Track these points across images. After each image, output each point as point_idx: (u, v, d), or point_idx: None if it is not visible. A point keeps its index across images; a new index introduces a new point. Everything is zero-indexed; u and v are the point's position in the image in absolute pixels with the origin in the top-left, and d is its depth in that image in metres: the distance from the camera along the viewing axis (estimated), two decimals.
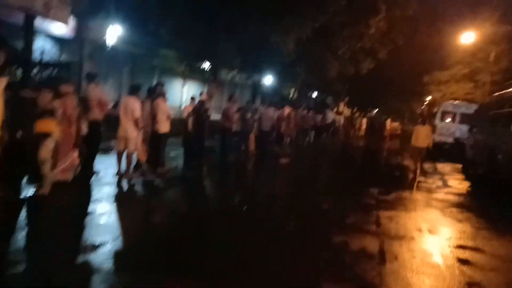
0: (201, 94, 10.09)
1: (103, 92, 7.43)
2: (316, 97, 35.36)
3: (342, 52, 21.38)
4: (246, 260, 4.01)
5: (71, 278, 3.35)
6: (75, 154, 6.00)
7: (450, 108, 18.92)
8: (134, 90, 7.22)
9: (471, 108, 17.98)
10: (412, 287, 3.68)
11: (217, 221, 5.39)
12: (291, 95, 28.78)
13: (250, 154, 11.87)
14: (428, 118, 12.29)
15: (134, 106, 6.92)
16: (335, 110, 28.42)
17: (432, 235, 5.42)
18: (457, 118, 18.29)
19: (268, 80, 23.84)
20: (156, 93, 7.94)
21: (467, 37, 21.14)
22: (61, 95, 5.70)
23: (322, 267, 3.99)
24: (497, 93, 11.64)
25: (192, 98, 10.22)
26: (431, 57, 26.60)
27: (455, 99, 23.07)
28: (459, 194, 8.85)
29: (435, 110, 23.51)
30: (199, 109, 9.37)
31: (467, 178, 11.43)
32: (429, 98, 39.82)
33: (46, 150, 5.22)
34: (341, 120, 24.95)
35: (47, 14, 10.18)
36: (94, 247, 3.96)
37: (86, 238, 4.30)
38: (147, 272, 3.52)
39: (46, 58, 15.68)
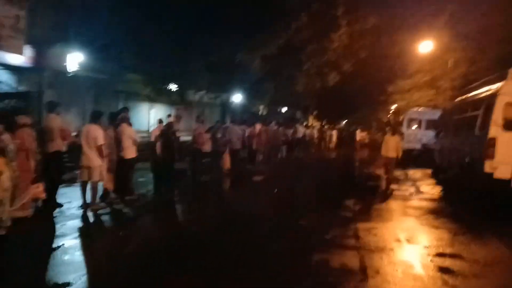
0: (168, 116, 9.84)
1: (65, 122, 7.07)
2: (286, 112, 35.71)
3: (308, 67, 21.71)
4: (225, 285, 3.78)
5: None
6: (39, 188, 5.61)
7: (415, 115, 19.48)
8: (95, 117, 6.90)
9: (436, 114, 18.55)
10: None
11: (191, 248, 5.11)
12: (260, 112, 28.90)
13: (223, 173, 11.64)
14: (395, 127, 11.95)
15: (96, 133, 6.61)
16: (304, 124, 28.66)
17: (411, 245, 5.37)
18: (423, 124, 18.83)
19: (237, 98, 23.87)
20: (119, 118, 7.66)
21: (425, 46, 22.02)
22: (17, 127, 5.34)
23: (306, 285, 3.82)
24: (458, 98, 12.03)
25: (160, 121, 9.95)
26: (393, 67, 27.40)
27: (419, 106, 23.81)
28: (432, 200, 8.93)
29: (401, 118, 24.16)
30: (167, 132, 9.11)
31: (438, 182, 11.62)
32: (394, 106, 41.04)
33: (1, 189, 4.84)
34: (313, 133, 25.10)
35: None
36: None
37: (50, 278, 3.95)
38: None
39: (2, 89, 15.07)
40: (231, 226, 6.38)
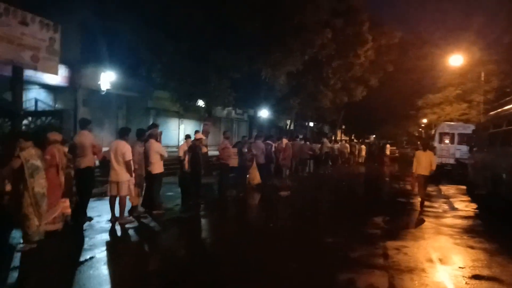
0: (196, 132, 9.97)
1: (96, 138, 7.30)
2: (313, 126, 35.53)
3: (334, 83, 21.61)
4: None
5: None
6: (65, 203, 5.79)
7: (447, 129, 18.88)
8: (123, 133, 7.10)
9: (469, 128, 17.95)
10: None
11: (217, 263, 5.09)
12: (287, 126, 28.88)
13: (251, 188, 11.63)
14: (428, 142, 11.21)
15: (124, 149, 6.77)
16: (333, 138, 28.36)
17: (444, 266, 5.11)
18: (456, 138, 18.22)
19: (263, 113, 23.97)
20: (148, 134, 7.83)
21: (455, 60, 21.50)
22: (48, 144, 5.56)
23: None
24: (493, 112, 11.59)
25: (187, 137, 10.09)
26: (422, 81, 26.96)
27: (451, 120, 23.14)
28: (467, 217, 8.53)
29: (432, 132, 23.53)
30: (194, 147, 9.24)
31: (472, 199, 11.15)
32: (425, 120, 40.05)
33: (26, 204, 5.04)
34: (343, 148, 24.69)
35: (35, 66, 10.27)
36: None
37: None
38: None
39: (41, 107, 15.82)
40: (255, 242, 6.32)
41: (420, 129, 56.35)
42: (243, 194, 10.95)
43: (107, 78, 16.79)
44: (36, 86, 16.62)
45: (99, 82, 16.68)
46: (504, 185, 7.91)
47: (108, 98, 18.31)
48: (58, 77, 15.57)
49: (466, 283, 4.44)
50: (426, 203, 9.90)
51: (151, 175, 7.61)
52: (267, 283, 4.37)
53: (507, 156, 8.10)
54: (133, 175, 7.01)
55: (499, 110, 10.44)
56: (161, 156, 7.80)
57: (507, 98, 10.58)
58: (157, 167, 7.72)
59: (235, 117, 28.55)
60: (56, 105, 17.09)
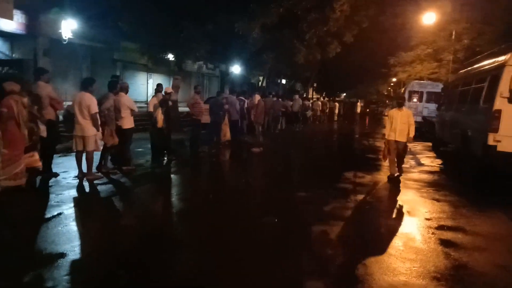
0: (158, 85, 9.51)
1: (55, 90, 6.82)
2: (285, 84, 35.26)
3: (309, 37, 21.18)
4: (223, 262, 3.70)
5: None
6: (33, 157, 5.47)
7: (417, 88, 19.21)
8: (87, 84, 6.63)
9: (437, 87, 18.35)
10: (398, 275, 3.49)
11: (189, 219, 5.04)
12: (260, 83, 28.50)
13: (222, 145, 11.52)
14: (403, 97, 8.24)
15: (90, 101, 6.39)
16: (304, 96, 28.34)
17: (412, 217, 5.29)
18: (424, 97, 18.61)
19: (236, 69, 23.44)
20: (119, 87, 7.43)
21: (429, 17, 21.45)
22: (4, 95, 5.13)
23: (304, 261, 3.73)
24: (462, 70, 11.76)
25: (157, 90, 9.69)
26: (395, 39, 26.86)
27: (421, 78, 23.50)
28: (432, 173, 8.85)
29: (402, 90, 23.90)
30: (166, 102, 8.90)
31: (438, 156, 11.55)
32: (394, 79, 40.59)
33: None
34: (317, 105, 24.85)
35: None
36: (52, 259, 3.54)
37: (43, 248, 3.86)
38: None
39: None
40: (227, 197, 6.31)
41: (389, 88, 57.34)
42: (215, 150, 10.83)
43: (68, 26, 15.71)
44: None
45: (60, 31, 15.60)
46: (471, 141, 8.16)
47: (71, 48, 17.26)
48: (14, 24, 14.42)
49: (432, 233, 4.61)
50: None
51: (122, 130, 7.31)
52: (241, 238, 4.37)
53: (476, 113, 8.30)
54: (100, 129, 6.69)
55: (469, 68, 10.58)
56: (132, 111, 7.47)
57: (478, 57, 10.67)
58: (128, 122, 7.41)
59: (206, 72, 27.84)
60: (14, 55, 15.97)
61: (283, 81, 34.26)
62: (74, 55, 18.24)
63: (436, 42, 23.97)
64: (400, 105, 7.82)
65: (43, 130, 5.95)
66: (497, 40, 16.48)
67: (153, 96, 9.35)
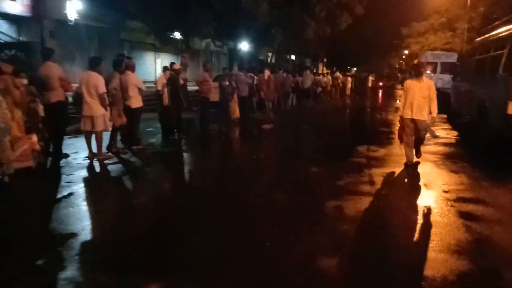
0: (172, 64, 9.41)
1: (63, 70, 6.71)
2: (295, 60, 34.66)
3: (318, 10, 20.60)
4: (237, 240, 3.62)
5: (34, 277, 2.90)
6: (31, 139, 5.42)
7: (430, 58, 18.65)
8: (95, 64, 6.52)
9: (452, 57, 17.77)
10: (416, 249, 3.37)
11: (201, 198, 4.97)
12: (269, 60, 28.06)
13: (232, 122, 11.39)
14: (422, 66, 6.48)
15: (97, 81, 6.28)
16: (314, 71, 27.82)
17: (429, 190, 5.13)
18: (438, 68, 18.08)
19: (244, 46, 23.03)
20: (125, 65, 7.29)
21: None
22: None
23: (318, 238, 3.63)
24: (479, 39, 11.28)
25: (165, 69, 9.55)
26: (408, 8, 26.03)
27: (434, 49, 22.81)
28: (449, 145, 8.60)
29: (415, 62, 23.25)
30: (173, 80, 8.75)
31: (453, 127, 11.25)
32: (406, 52, 39.59)
33: None
34: (327, 81, 24.36)
35: None
36: (63, 239, 3.51)
37: (54, 227, 3.84)
38: (124, 269, 3.07)
39: (3, 39, 14.63)
40: (240, 175, 6.22)
41: (401, 61, 56.05)
42: (225, 128, 10.72)
43: (74, 7, 15.49)
44: None
45: (65, 12, 15.39)
46: (489, 112, 7.87)
47: (78, 30, 17.07)
48: (19, 6, 14.31)
49: (451, 205, 4.45)
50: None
51: (130, 109, 7.21)
52: (255, 215, 4.28)
53: (494, 82, 7.97)
54: (108, 109, 6.61)
55: (486, 35, 10.14)
56: (139, 90, 7.35)
57: (496, 23, 10.19)
58: (136, 101, 7.30)
59: (214, 49, 27.43)
60: (20, 38, 15.87)
61: (293, 57, 33.69)
62: (80, 37, 18.06)
63: (450, 11, 23.18)
64: (419, 74, 6.18)
65: (41, 110, 5.89)
66: None
67: (161, 75, 9.22)
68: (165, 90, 8.82)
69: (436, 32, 24.41)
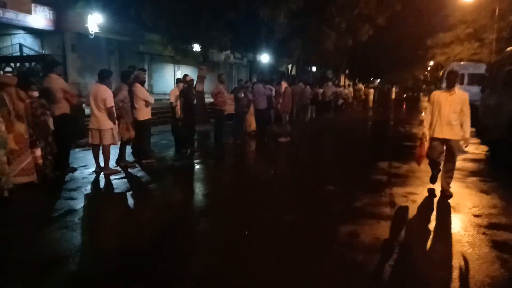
0: (184, 76, 9.23)
1: (67, 83, 6.59)
2: (316, 71, 34.31)
3: (338, 22, 20.23)
4: (241, 260, 3.26)
5: None
6: (34, 153, 5.25)
7: (457, 70, 17.86)
8: (103, 76, 6.34)
9: (480, 68, 16.99)
10: (442, 287, 2.91)
11: (213, 215, 4.64)
12: (289, 71, 27.83)
13: (248, 135, 11.08)
14: (457, 74, 5.15)
15: (105, 94, 6.10)
16: (336, 82, 27.36)
17: (458, 214, 4.62)
18: (466, 79, 17.32)
19: (264, 58, 22.86)
20: (133, 78, 7.12)
21: None
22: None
23: (325, 269, 3.22)
24: (509, 48, 10.65)
25: (179, 81, 9.37)
26: (432, 19, 25.36)
27: (461, 60, 22.00)
28: (477, 161, 8.01)
29: (440, 73, 22.51)
30: (186, 92, 8.55)
31: (482, 142, 10.58)
32: (431, 63, 38.61)
33: None
34: (349, 92, 23.88)
35: (3, 3, 9.37)
36: (63, 256, 3.23)
37: (42, 249, 3.57)
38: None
39: (27, 54, 14.97)
40: (253, 191, 5.85)
41: (426, 73, 54.77)
42: (240, 141, 10.41)
43: (94, 20, 15.73)
44: (21, 31, 15.65)
45: (86, 25, 15.64)
46: None
47: (98, 43, 17.34)
48: (43, 20, 14.63)
49: (483, 233, 3.94)
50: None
51: (137, 122, 7.01)
52: (265, 234, 3.92)
53: None
54: (116, 122, 6.41)
55: None
56: (146, 102, 7.12)
57: None
58: (143, 114, 7.09)
59: (234, 62, 27.43)
60: (43, 51, 16.18)
61: (313, 69, 33.35)
62: (101, 49, 18.32)
63: (477, 21, 22.38)
64: (451, 84, 5.09)
65: (51, 123, 5.76)
66: None
67: (175, 87, 9.06)
68: (178, 102, 8.62)
69: (463, 43, 23.59)
